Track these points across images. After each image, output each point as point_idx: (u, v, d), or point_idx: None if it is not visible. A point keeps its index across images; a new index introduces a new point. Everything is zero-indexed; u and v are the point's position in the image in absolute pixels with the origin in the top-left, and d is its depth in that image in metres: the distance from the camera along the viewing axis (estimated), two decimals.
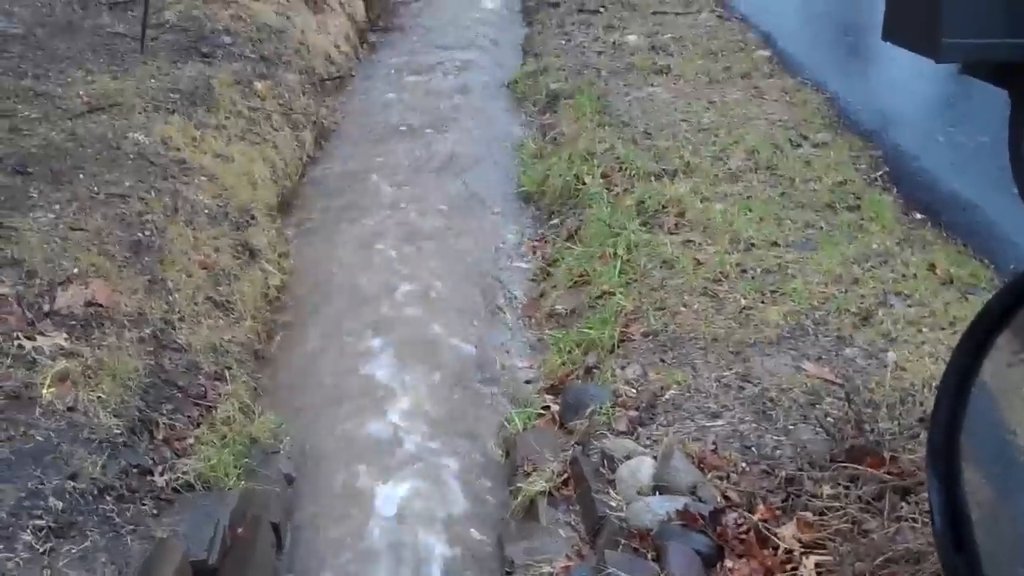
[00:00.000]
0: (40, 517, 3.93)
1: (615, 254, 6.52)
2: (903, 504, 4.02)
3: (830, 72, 9.87)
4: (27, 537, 3.83)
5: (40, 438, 4.32)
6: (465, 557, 4.77)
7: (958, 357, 2.65)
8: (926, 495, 3.58)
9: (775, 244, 6.45)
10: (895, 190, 7.28)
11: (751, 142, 8.04)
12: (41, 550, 3.82)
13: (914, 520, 3.85)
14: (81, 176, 6.62)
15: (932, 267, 6.14)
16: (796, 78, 9.76)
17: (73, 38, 9.26)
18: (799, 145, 8.08)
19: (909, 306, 5.73)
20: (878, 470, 4.26)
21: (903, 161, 7.75)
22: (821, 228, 6.67)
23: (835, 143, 8.10)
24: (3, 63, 8.47)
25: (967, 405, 3.05)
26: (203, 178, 7.16)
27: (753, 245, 6.44)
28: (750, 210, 6.87)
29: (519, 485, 4.85)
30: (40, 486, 4.07)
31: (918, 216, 6.90)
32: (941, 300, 5.77)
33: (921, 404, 4.65)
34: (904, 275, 6.04)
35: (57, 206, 6.17)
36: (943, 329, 5.47)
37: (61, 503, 4.04)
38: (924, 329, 5.46)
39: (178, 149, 7.39)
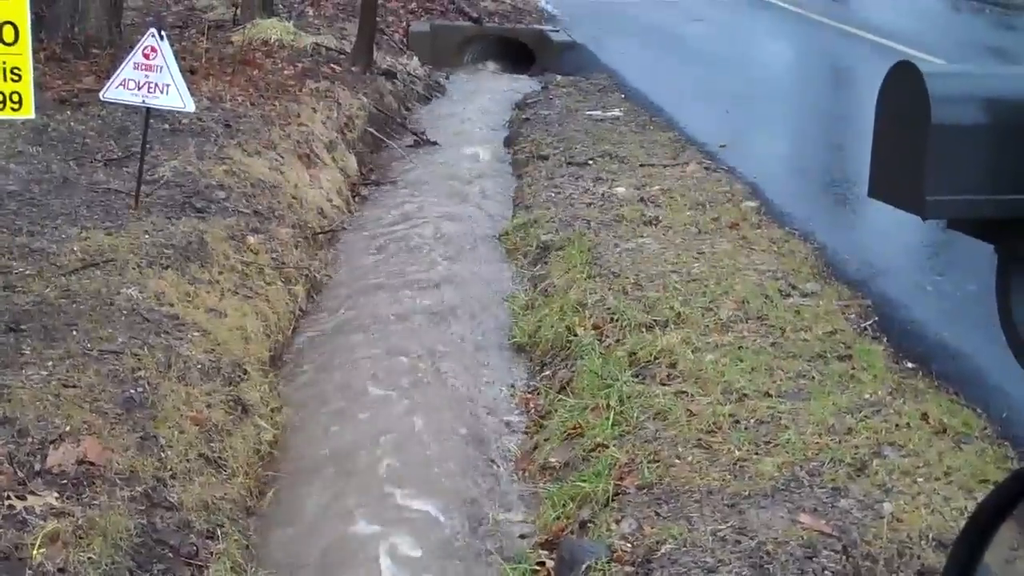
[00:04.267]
0: None
1: (608, 406, 6.53)
2: None
3: (817, 222, 9.98)
4: None
5: None
6: None
7: (959, 551, 2.64)
8: None
9: (767, 394, 6.46)
10: (885, 339, 7.31)
11: (741, 292, 8.09)
12: None
13: None
14: (74, 332, 6.65)
15: (925, 416, 6.14)
16: (784, 228, 9.85)
17: (69, 194, 9.36)
18: (788, 295, 8.13)
19: (903, 456, 5.72)
20: None
21: (892, 310, 7.81)
22: (813, 378, 6.68)
23: (824, 292, 8.16)
24: None
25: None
26: (196, 333, 7.19)
27: (745, 395, 6.44)
28: (741, 360, 6.90)
29: None
30: None
31: (909, 365, 6.93)
32: (935, 450, 5.77)
33: (919, 557, 4.64)
34: (897, 424, 6.05)
35: (50, 363, 6.19)
36: (938, 479, 5.46)
37: None
38: (919, 479, 5.45)
39: (171, 304, 7.43)
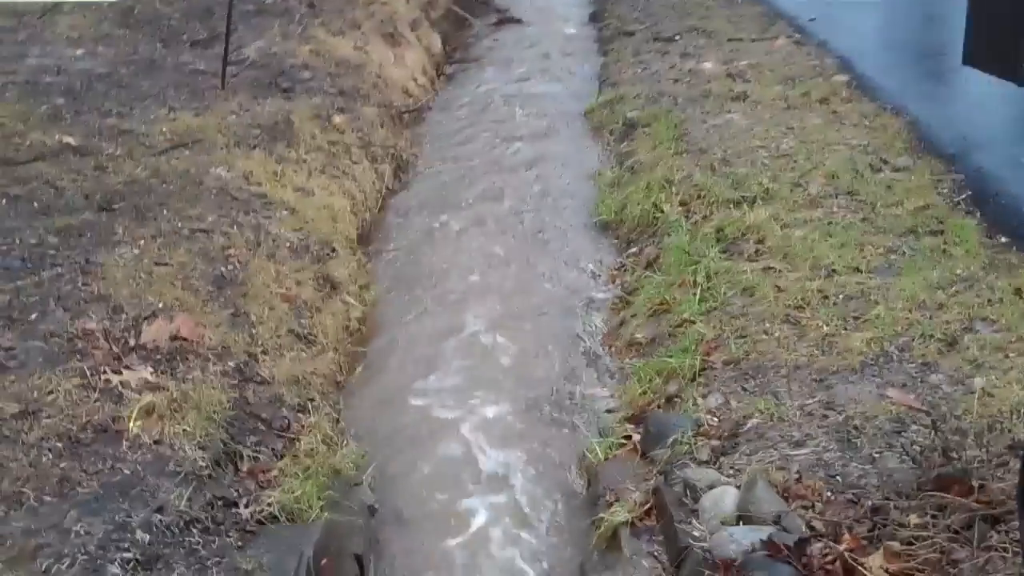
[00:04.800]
0: (127, 550, 3.99)
1: (695, 282, 6.50)
2: (993, 533, 3.95)
3: (910, 96, 9.75)
4: (115, 570, 3.89)
5: (127, 471, 4.39)
6: None
7: None
8: (1016, 524, 3.53)
9: (857, 270, 6.38)
10: (978, 214, 7.16)
11: (830, 167, 7.96)
12: None
13: (1004, 550, 3.79)
14: (165, 212, 6.74)
15: (1018, 291, 6.02)
16: (875, 103, 9.65)
17: (156, 76, 9.43)
18: (880, 170, 7.99)
19: (995, 331, 5.63)
20: (966, 499, 4.20)
21: (986, 184, 7.63)
22: (904, 253, 6.58)
23: (916, 167, 7.99)
24: (88, 102, 8.66)
25: None
26: (284, 212, 7.25)
27: (834, 271, 6.37)
28: (831, 236, 6.81)
29: (601, 515, 4.83)
30: (127, 519, 4.13)
31: (1003, 240, 6.78)
32: None
33: (1010, 431, 4.58)
34: (990, 300, 5.94)
35: (141, 242, 6.29)
36: None
37: (148, 536, 4.09)
38: (1011, 355, 5.36)
39: (259, 184, 7.49)
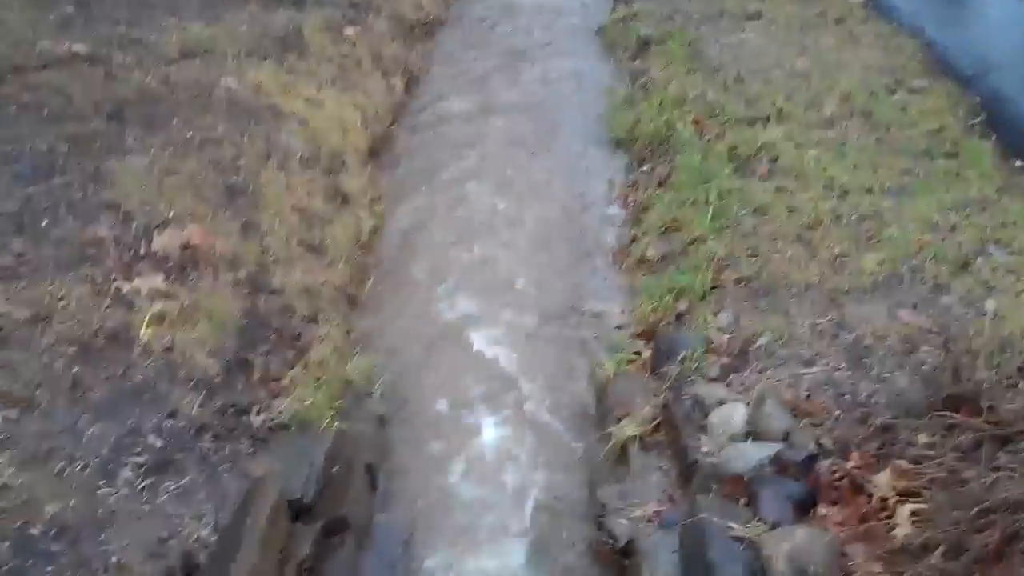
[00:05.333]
0: (140, 454, 4.02)
1: (707, 200, 6.47)
2: (1001, 454, 3.96)
3: (927, 17, 9.64)
4: (128, 473, 3.92)
5: (139, 377, 4.40)
6: (558, 501, 4.78)
7: None
8: None
9: (870, 191, 6.35)
10: (994, 136, 7.11)
11: (845, 88, 7.91)
12: (141, 486, 3.91)
13: (1012, 470, 3.79)
14: (175, 121, 6.69)
15: None
16: (892, 23, 9.56)
17: None
18: (895, 91, 7.92)
19: (1009, 254, 5.62)
20: (976, 419, 4.20)
21: (1003, 107, 7.56)
22: (917, 175, 6.55)
23: (932, 89, 7.93)
24: (98, 10, 8.57)
25: None
26: (295, 124, 7.20)
27: (847, 192, 6.34)
28: (844, 156, 6.78)
29: (610, 430, 4.86)
30: (139, 424, 4.15)
31: (1018, 163, 6.75)
32: None
33: (1021, 353, 4.57)
34: (1003, 223, 5.92)
35: (152, 150, 6.25)
36: None
37: (160, 441, 4.12)
38: None
39: (270, 95, 7.43)
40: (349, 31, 9.23)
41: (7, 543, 3.47)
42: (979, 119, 7.40)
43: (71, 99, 6.87)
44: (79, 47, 7.77)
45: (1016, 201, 6.17)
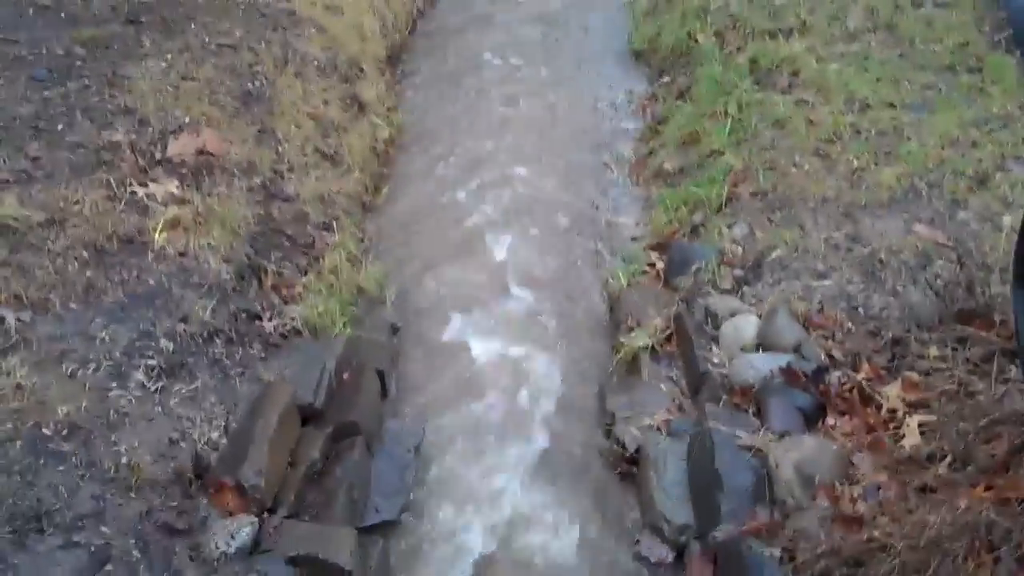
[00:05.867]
0: (152, 357, 4.04)
1: (726, 113, 6.42)
2: (1012, 367, 3.96)
3: None
4: (139, 376, 3.94)
5: (152, 282, 4.41)
6: (568, 410, 4.80)
7: None
8: None
9: (891, 105, 6.28)
10: (1018, 53, 7.01)
11: (870, 1, 7.80)
12: (153, 389, 3.94)
13: (1022, 383, 3.79)
14: (192, 26, 6.65)
15: None
16: None
17: None
18: (920, 5, 7.81)
19: None
20: (988, 333, 4.20)
21: None
22: (940, 90, 6.47)
23: (958, 3, 7.82)
24: None
25: None
26: (312, 30, 7.15)
27: (868, 106, 6.28)
28: (867, 70, 6.70)
29: (622, 340, 4.87)
30: (152, 328, 4.17)
31: None
32: None
33: None
34: None
35: (169, 55, 6.21)
36: None
37: (172, 345, 4.14)
38: None
39: (288, 0, 7.37)
40: None
41: (19, 443, 3.51)
42: (1004, 35, 7.29)
43: (88, 2, 6.83)
44: None
45: None
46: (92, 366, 3.90)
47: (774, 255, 5.01)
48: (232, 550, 3.55)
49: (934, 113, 6.16)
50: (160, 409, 3.88)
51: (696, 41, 7.59)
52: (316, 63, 6.81)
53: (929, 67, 6.77)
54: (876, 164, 5.67)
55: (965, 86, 6.51)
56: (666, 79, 7.61)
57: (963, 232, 5.02)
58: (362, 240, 5.77)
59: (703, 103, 6.70)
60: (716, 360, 4.42)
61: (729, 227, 5.36)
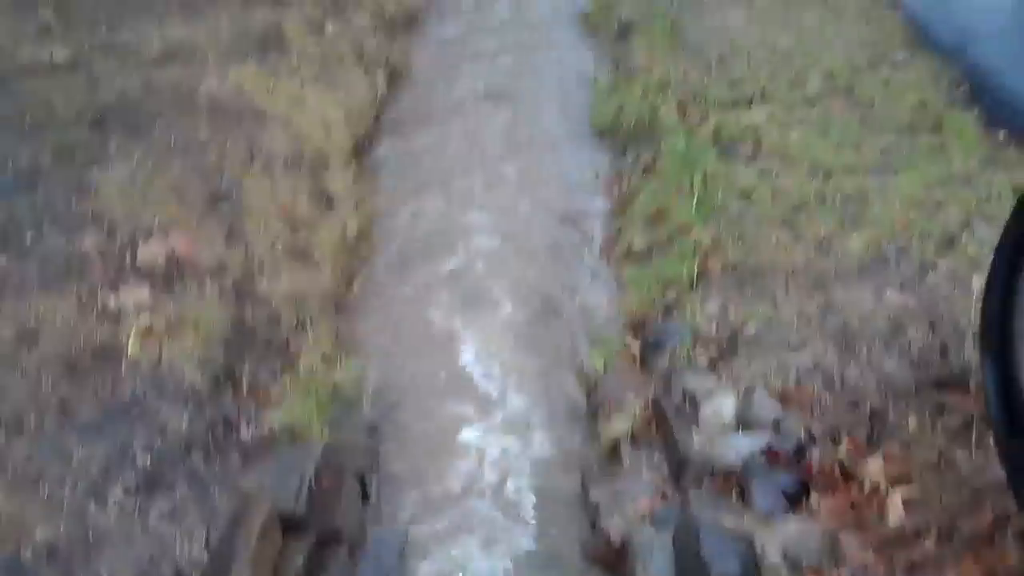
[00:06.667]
0: (130, 474, 4.01)
1: (692, 186, 6.45)
2: (991, 434, 3.96)
3: None
4: (118, 494, 3.92)
5: (127, 394, 4.41)
6: (552, 504, 4.77)
7: (1007, 241, 2.58)
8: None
9: (854, 170, 6.34)
10: (976, 109, 7.10)
11: (828, 64, 7.90)
12: (131, 506, 3.90)
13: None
14: (157, 126, 6.70)
15: (1017, 188, 5.99)
16: None
17: None
18: (877, 66, 7.91)
19: (994, 229, 5.60)
20: (964, 399, 4.21)
21: (985, 79, 7.56)
22: (901, 151, 6.54)
23: (914, 63, 7.93)
24: (79, 16, 8.56)
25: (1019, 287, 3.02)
26: (277, 124, 7.18)
27: (832, 172, 6.33)
28: (828, 135, 6.77)
29: (601, 427, 4.87)
30: (129, 443, 4.15)
31: (1001, 136, 6.74)
32: None
33: None
34: (988, 197, 5.91)
35: (135, 158, 6.26)
36: None
37: (150, 459, 4.12)
38: None
39: (251, 95, 7.42)
40: (329, 27, 9.21)
41: None
42: (962, 91, 7.39)
43: (53, 108, 6.87)
44: (60, 54, 7.77)
45: (999, 173, 6.17)
46: (69, 486, 3.88)
47: (748, 330, 5.02)
48: None
49: (897, 175, 6.22)
50: (140, 527, 3.85)
51: (659, 115, 7.64)
52: (283, 158, 6.83)
53: (889, 129, 6.85)
54: (843, 231, 5.71)
55: (926, 146, 6.58)
56: (630, 155, 7.64)
57: (934, 296, 5.05)
58: (336, 338, 5.75)
59: (669, 178, 6.73)
60: (697, 443, 4.41)
61: (702, 304, 5.37)
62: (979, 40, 8.24)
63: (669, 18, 9.50)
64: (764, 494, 4.01)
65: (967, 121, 6.89)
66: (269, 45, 8.37)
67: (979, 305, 4.74)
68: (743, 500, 4.06)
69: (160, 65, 7.69)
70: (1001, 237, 3.31)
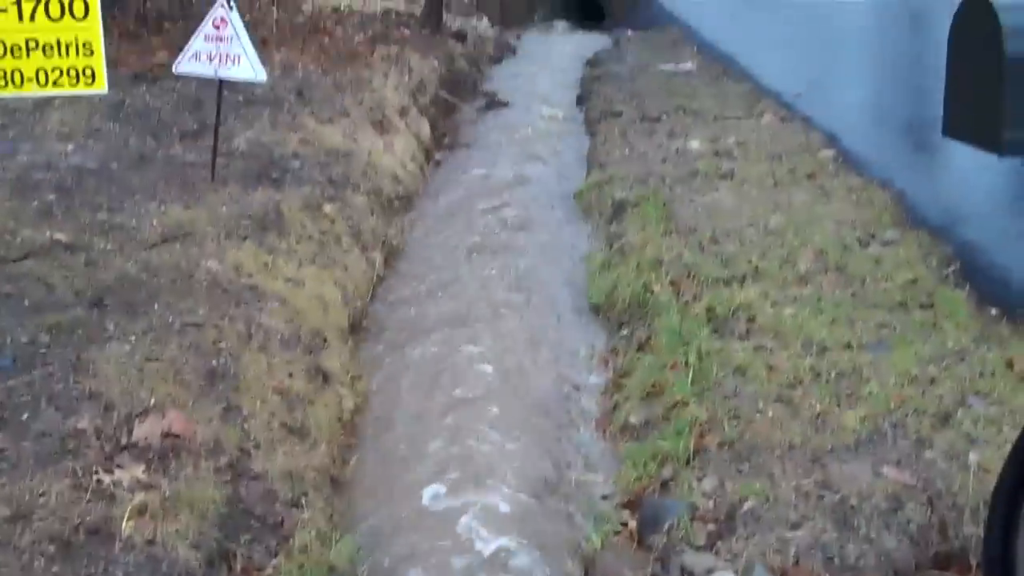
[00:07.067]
0: None
1: (687, 363, 6.50)
2: None
3: (896, 169, 9.84)
4: None
5: (120, 574, 4.34)
6: None
7: (1010, 467, 2.60)
8: None
9: (848, 346, 6.39)
10: (968, 286, 7.19)
11: (819, 243, 8.02)
12: None
13: None
14: (156, 306, 6.73)
15: (1010, 364, 6.05)
16: (862, 176, 9.73)
17: (146, 169, 9.47)
18: (868, 244, 8.04)
19: (989, 405, 5.64)
20: None
21: (975, 256, 7.68)
22: (895, 328, 6.60)
23: (904, 240, 8.05)
24: (79, 197, 8.68)
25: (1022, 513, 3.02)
26: (275, 303, 7.24)
27: (826, 348, 6.39)
28: (821, 312, 6.84)
29: None
30: None
31: (993, 312, 6.82)
32: (1021, 397, 5.68)
33: None
34: (982, 373, 5.96)
35: (133, 337, 6.27)
36: None
37: None
38: (1006, 428, 5.37)
39: (250, 275, 7.50)
40: (328, 208, 9.36)
41: None
42: (952, 269, 7.49)
43: (53, 288, 6.92)
44: (60, 235, 7.85)
45: (993, 350, 6.22)
46: None
47: (746, 507, 5.00)
48: None
49: (891, 351, 6.27)
50: None
51: (652, 292, 7.73)
52: (280, 336, 6.88)
53: (882, 305, 6.92)
54: (839, 407, 5.73)
55: (919, 322, 6.65)
56: (625, 331, 7.72)
57: (932, 473, 5.04)
58: (331, 515, 5.71)
59: (664, 354, 6.78)
60: None
61: (699, 480, 5.36)
62: (968, 218, 8.40)
63: (661, 197, 9.67)
64: None
65: (959, 298, 6.98)
66: (268, 226, 8.48)
67: (979, 480, 4.78)
68: None
69: (159, 246, 7.78)
70: (999, 479, 3.34)
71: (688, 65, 14.96)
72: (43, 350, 6.06)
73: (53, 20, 6.49)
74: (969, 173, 9.33)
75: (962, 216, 8.59)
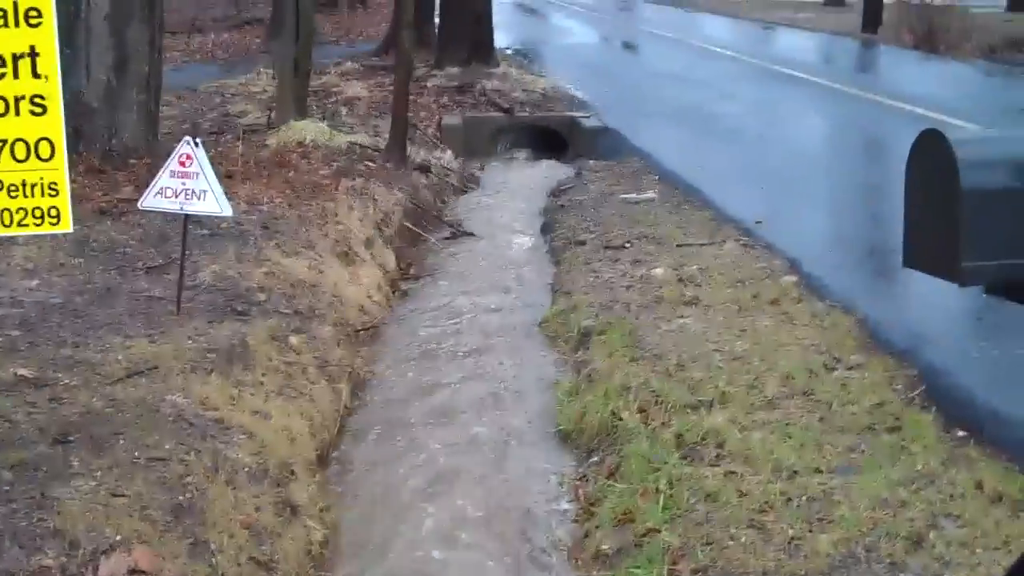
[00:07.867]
0: None
1: (657, 490, 6.49)
2: None
3: (858, 293, 9.95)
4: None
5: None
6: None
7: None
8: None
9: (818, 470, 6.41)
10: (934, 408, 7.24)
11: (785, 368, 8.06)
12: None
13: None
14: (121, 441, 6.68)
15: (979, 485, 6.07)
16: (825, 301, 9.82)
17: (111, 304, 9.45)
18: (834, 369, 8.09)
19: (960, 527, 5.65)
20: None
21: (939, 379, 7.75)
22: (863, 451, 6.63)
23: (870, 364, 8.11)
24: (44, 333, 8.64)
25: None
26: (242, 436, 7.20)
27: (796, 472, 6.39)
28: (790, 437, 6.85)
29: None
30: None
31: (960, 434, 6.86)
32: (992, 519, 5.69)
33: None
34: (952, 495, 5.98)
35: (98, 473, 6.21)
36: (997, 549, 5.38)
37: None
38: (978, 550, 5.38)
39: (216, 408, 7.46)
40: (294, 340, 9.34)
41: None
42: (918, 391, 7.54)
43: (16, 425, 6.85)
44: (24, 371, 7.80)
45: (961, 472, 6.25)
46: None
47: None
48: None
49: (861, 475, 6.29)
50: None
51: (621, 419, 7.74)
52: (247, 469, 6.83)
53: (850, 429, 6.95)
54: (811, 531, 5.73)
55: (887, 445, 6.67)
56: (595, 459, 7.70)
57: None
58: None
59: (634, 481, 6.77)
60: None
61: None
62: (932, 341, 8.48)
63: (627, 324, 9.71)
64: None
65: (926, 420, 7.02)
66: (234, 359, 8.45)
67: None
68: None
69: (125, 381, 7.73)
70: None
71: (650, 194, 15.13)
72: (6, 487, 5.99)
73: (19, 161, 6.50)
74: (930, 297, 9.43)
75: (925, 339, 8.68)
